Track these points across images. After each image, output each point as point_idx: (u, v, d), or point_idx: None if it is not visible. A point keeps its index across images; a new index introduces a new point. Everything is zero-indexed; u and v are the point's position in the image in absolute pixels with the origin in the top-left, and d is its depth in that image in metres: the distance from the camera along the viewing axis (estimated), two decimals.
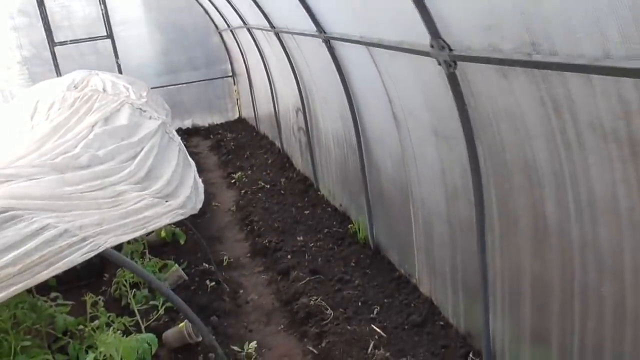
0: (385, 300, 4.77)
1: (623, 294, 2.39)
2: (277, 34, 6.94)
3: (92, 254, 2.80)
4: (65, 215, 3.08)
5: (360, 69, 4.86)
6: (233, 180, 8.69)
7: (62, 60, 10.69)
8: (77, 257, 2.69)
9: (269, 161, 9.45)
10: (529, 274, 3.11)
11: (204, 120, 12.48)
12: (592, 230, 2.48)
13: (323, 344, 4.29)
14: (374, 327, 4.40)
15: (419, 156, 4.22)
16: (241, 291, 5.40)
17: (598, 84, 2.08)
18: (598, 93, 2.10)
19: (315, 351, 4.29)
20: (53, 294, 4.64)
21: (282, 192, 7.87)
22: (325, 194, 7.31)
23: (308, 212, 7.03)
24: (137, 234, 3.44)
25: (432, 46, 3.06)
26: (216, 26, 11.66)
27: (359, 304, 4.78)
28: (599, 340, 2.63)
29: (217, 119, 12.57)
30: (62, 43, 10.61)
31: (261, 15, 7.09)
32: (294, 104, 7.91)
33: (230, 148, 10.49)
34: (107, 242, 2.96)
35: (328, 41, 5.11)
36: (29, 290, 4.39)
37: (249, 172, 9.00)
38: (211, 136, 11.70)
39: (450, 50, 2.96)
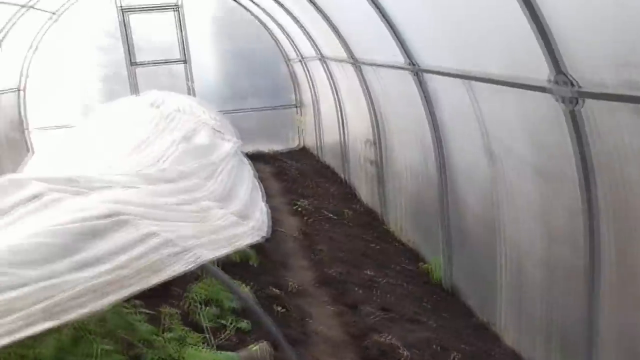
0: (463, 346, 4.52)
1: None
2: (357, 66, 6.94)
3: (193, 266, 2.76)
4: (163, 225, 3.06)
5: (451, 101, 4.76)
6: (296, 207, 8.63)
7: (138, 79, 11.10)
8: (179, 267, 2.65)
9: (332, 190, 9.38)
10: None
11: (266, 147, 12.59)
12: None
13: None
14: None
15: (514, 195, 4.03)
16: (310, 320, 5.25)
17: None
18: None
19: None
20: (137, 302, 4.62)
21: (347, 223, 7.75)
22: (393, 229, 7.14)
23: (374, 245, 6.87)
24: (227, 250, 3.39)
25: (554, 82, 2.94)
26: (285, 56, 11.87)
27: (435, 347, 4.55)
28: None
29: (279, 147, 12.66)
30: (142, 63, 11.02)
31: (341, 46, 7.13)
32: (365, 135, 7.86)
33: (293, 175, 10.49)
34: (205, 255, 2.91)
35: (417, 73, 5.05)
36: None
37: (313, 200, 8.94)
38: (274, 163, 11.78)
39: (577, 86, 2.82)
